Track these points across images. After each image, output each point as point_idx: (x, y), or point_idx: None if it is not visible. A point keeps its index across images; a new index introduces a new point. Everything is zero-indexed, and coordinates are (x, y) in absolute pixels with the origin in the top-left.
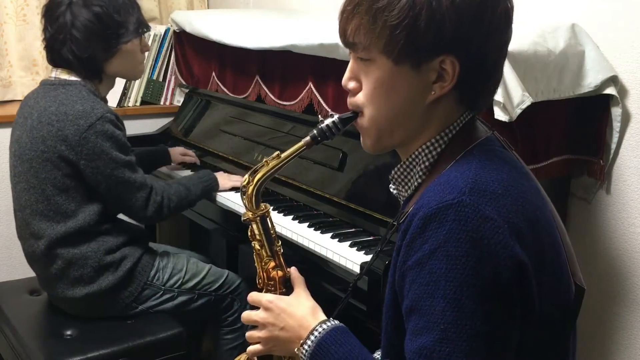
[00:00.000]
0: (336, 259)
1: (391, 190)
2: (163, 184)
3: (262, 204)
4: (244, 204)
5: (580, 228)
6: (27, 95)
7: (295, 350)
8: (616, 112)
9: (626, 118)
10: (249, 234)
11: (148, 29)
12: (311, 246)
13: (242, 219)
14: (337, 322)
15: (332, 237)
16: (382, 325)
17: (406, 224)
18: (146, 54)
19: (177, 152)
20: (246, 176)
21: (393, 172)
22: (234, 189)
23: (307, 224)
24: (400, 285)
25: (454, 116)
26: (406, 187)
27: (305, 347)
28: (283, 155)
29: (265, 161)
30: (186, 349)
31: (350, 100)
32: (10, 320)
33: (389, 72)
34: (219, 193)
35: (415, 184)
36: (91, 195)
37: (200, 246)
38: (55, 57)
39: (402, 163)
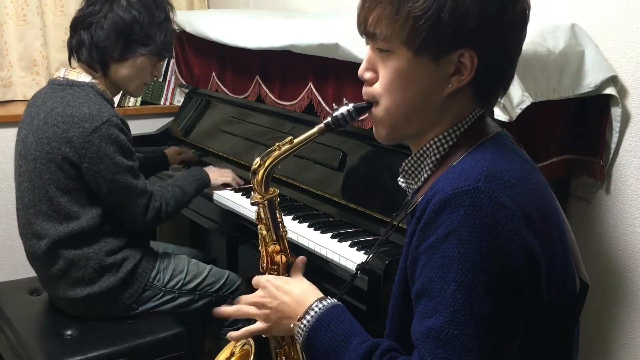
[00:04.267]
0: (336, 258)
1: (400, 183)
2: (160, 189)
3: (271, 188)
4: (253, 187)
5: (580, 228)
6: (35, 94)
7: (292, 325)
8: (616, 112)
9: (626, 118)
10: (256, 216)
11: (170, 56)
12: (311, 246)
13: (250, 201)
14: (335, 300)
15: (332, 237)
16: (388, 312)
17: (420, 210)
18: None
19: (173, 153)
20: (257, 159)
21: (404, 164)
22: (226, 185)
23: (307, 224)
24: (411, 270)
25: (467, 111)
26: (416, 180)
27: (304, 321)
28: (296, 140)
29: (278, 145)
30: (186, 349)
31: (366, 90)
32: (10, 320)
33: (408, 63)
34: (217, 192)
35: (425, 175)
36: (94, 198)
37: (200, 246)
38: (72, 36)
39: (413, 155)
